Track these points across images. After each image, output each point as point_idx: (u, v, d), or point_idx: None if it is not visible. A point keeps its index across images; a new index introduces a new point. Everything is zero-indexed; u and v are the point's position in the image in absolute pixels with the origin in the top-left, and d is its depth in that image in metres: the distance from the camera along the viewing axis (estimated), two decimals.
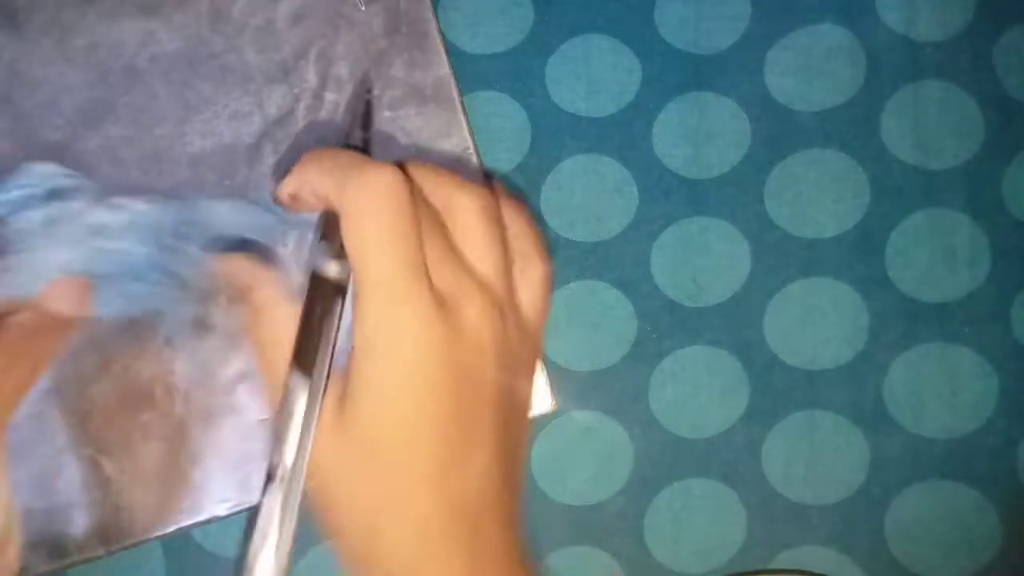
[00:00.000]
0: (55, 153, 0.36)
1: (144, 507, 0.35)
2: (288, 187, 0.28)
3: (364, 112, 0.30)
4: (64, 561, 0.35)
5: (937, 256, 0.37)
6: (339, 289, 0.26)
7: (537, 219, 0.37)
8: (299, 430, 0.25)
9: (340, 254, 0.26)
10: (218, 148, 0.36)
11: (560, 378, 0.36)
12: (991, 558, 0.36)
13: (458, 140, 0.36)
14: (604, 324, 0.37)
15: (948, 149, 0.37)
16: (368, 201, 0.25)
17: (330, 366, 0.25)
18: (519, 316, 0.29)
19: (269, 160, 0.36)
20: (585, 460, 0.37)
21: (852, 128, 0.37)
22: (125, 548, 0.35)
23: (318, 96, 0.37)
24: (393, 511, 0.25)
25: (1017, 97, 0.37)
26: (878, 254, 0.37)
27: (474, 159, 0.36)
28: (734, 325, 0.37)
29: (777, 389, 0.37)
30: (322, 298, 0.26)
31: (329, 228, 0.27)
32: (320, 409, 0.25)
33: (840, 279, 0.37)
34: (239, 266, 0.29)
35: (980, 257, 0.37)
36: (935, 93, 0.37)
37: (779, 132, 0.37)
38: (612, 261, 0.37)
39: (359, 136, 0.30)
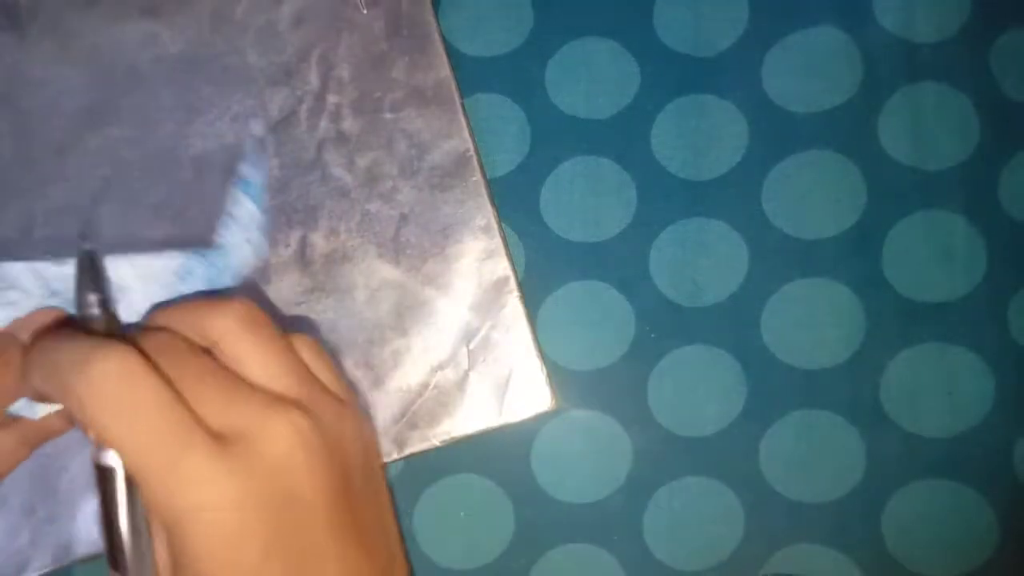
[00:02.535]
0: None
1: None
2: (25, 391, 0.24)
3: (89, 269, 0.25)
4: (64, 561, 0.35)
5: (934, 256, 0.37)
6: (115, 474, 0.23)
7: (537, 219, 0.37)
8: None
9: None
10: (220, 149, 0.37)
11: (560, 378, 0.37)
12: (988, 556, 0.36)
13: (459, 142, 0.37)
14: (604, 324, 0.37)
15: (945, 150, 0.37)
16: (97, 404, 0.21)
17: (147, 551, 0.23)
18: (337, 403, 0.25)
19: (271, 162, 0.36)
20: (584, 459, 0.37)
21: (849, 129, 0.37)
22: None
23: (320, 98, 0.37)
24: None
25: (1013, 98, 0.37)
26: (875, 254, 0.37)
27: (474, 160, 0.37)
28: (732, 325, 0.37)
29: (775, 388, 0.37)
30: (111, 489, 0.23)
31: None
32: None
33: (837, 279, 0.37)
34: None
35: (976, 257, 0.37)
36: (932, 95, 0.37)
37: (777, 133, 0.37)
38: (612, 261, 0.37)
39: (94, 300, 0.24)
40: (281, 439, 0.22)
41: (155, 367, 0.22)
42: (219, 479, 0.21)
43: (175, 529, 0.21)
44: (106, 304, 0.24)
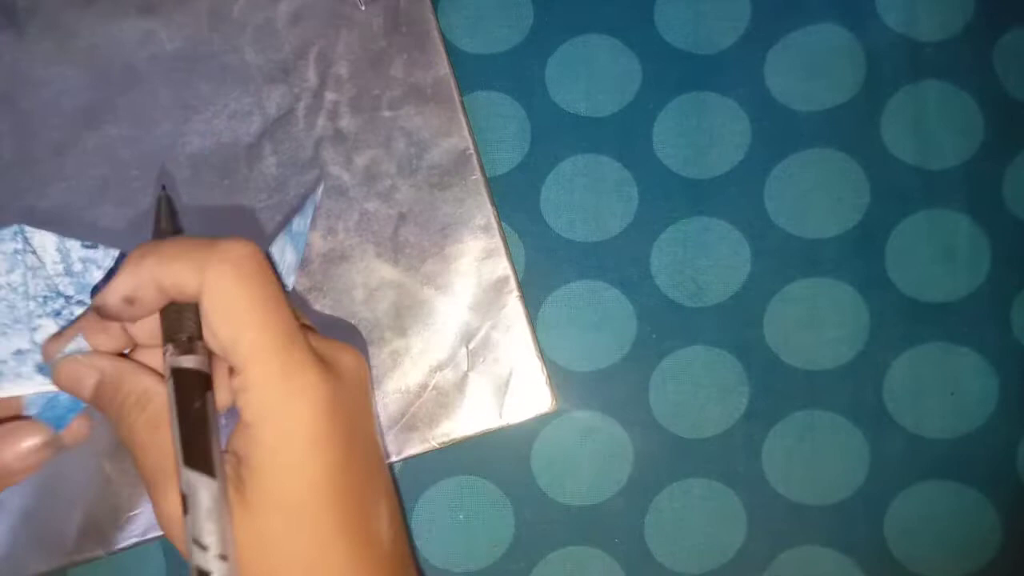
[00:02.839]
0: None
1: (144, 507, 0.35)
2: (121, 289, 0.24)
3: (167, 207, 0.28)
4: (64, 561, 0.35)
5: (937, 256, 0.37)
6: (204, 377, 0.25)
7: (537, 219, 0.37)
8: (217, 529, 0.23)
9: (191, 346, 0.25)
10: (217, 148, 0.36)
11: (560, 378, 0.36)
12: (991, 558, 0.36)
13: (458, 140, 0.36)
14: (604, 324, 0.37)
15: (948, 149, 0.37)
16: (235, 275, 0.24)
17: (221, 455, 0.24)
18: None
19: (269, 160, 0.36)
20: (585, 460, 0.37)
21: (852, 128, 0.37)
22: (125, 548, 0.35)
23: (318, 96, 0.37)
24: (316, 570, 0.24)
25: (1017, 97, 0.37)
26: (878, 254, 0.37)
27: (474, 159, 0.36)
28: (734, 325, 0.37)
29: (777, 389, 0.37)
30: (191, 392, 0.24)
31: (171, 322, 0.25)
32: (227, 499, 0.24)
33: (840, 279, 0.37)
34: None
35: (980, 257, 0.37)
36: (935, 93, 0.37)
37: (779, 132, 0.37)
38: (612, 261, 0.37)
39: (170, 231, 0.27)
40: (353, 364, 0.26)
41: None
42: (326, 385, 0.24)
43: (271, 417, 0.23)
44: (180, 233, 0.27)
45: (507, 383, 0.36)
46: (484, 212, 0.36)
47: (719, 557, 0.36)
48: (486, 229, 0.36)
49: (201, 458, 0.24)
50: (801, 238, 0.37)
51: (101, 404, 0.26)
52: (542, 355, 0.36)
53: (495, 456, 0.37)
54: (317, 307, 0.36)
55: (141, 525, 0.35)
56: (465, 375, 0.36)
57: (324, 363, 0.25)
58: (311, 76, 0.37)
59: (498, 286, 0.36)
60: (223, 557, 0.23)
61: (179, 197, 0.36)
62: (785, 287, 0.37)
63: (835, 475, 0.36)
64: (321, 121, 0.37)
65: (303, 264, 0.36)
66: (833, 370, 0.37)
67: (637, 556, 0.36)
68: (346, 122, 0.37)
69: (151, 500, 0.25)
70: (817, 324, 0.36)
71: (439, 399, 0.35)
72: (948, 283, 0.37)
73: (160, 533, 0.35)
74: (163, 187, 0.28)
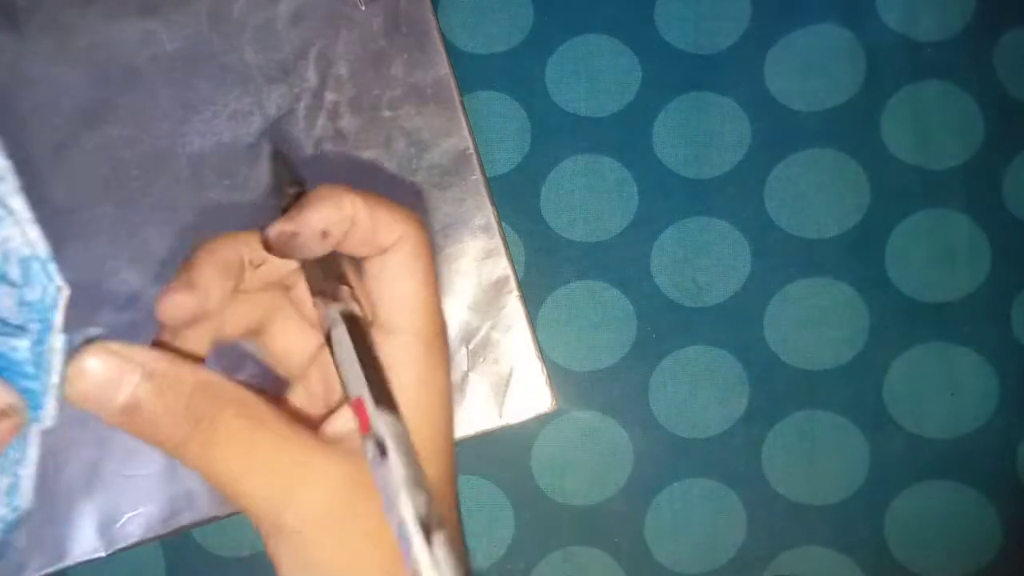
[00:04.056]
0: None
1: (144, 507, 0.35)
2: (322, 221, 0.24)
3: (284, 161, 0.28)
4: (64, 561, 0.35)
5: (937, 256, 0.37)
6: (367, 324, 0.24)
7: (537, 218, 0.37)
8: (414, 472, 0.22)
9: (353, 293, 0.25)
10: (218, 148, 0.36)
11: (560, 378, 0.36)
12: (991, 558, 0.36)
13: (458, 140, 0.36)
14: (605, 324, 0.37)
15: (948, 149, 0.37)
16: (421, 250, 0.24)
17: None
18: None
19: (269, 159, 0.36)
20: (585, 460, 0.37)
21: (852, 128, 0.37)
22: (125, 548, 0.35)
23: (318, 95, 0.37)
24: None
25: (1017, 97, 0.37)
26: (878, 254, 0.37)
27: (474, 159, 0.36)
28: (734, 325, 0.37)
29: (777, 389, 0.37)
30: (366, 336, 0.24)
31: (330, 270, 0.25)
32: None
33: (840, 279, 0.37)
34: None
35: (980, 257, 0.37)
36: (935, 93, 0.37)
37: (779, 132, 0.37)
38: (612, 261, 0.37)
39: (292, 189, 0.27)
40: None
41: None
42: (447, 355, 0.25)
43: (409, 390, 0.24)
44: (303, 189, 0.27)
45: (507, 383, 0.36)
46: (484, 212, 0.36)
47: (719, 557, 0.36)
48: (486, 229, 0.36)
49: (388, 398, 0.23)
50: (801, 238, 0.37)
51: (140, 417, 0.22)
52: (542, 355, 0.36)
53: (495, 456, 0.37)
54: None
55: (141, 525, 0.35)
56: (465, 375, 0.36)
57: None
58: (311, 76, 0.37)
59: (498, 286, 0.36)
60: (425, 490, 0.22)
61: (179, 197, 0.36)
62: (785, 287, 0.37)
63: (835, 475, 0.36)
64: (321, 121, 0.36)
65: None
66: (833, 370, 0.37)
67: (637, 556, 0.36)
68: (346, 122, 0.36)
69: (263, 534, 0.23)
70: (817, 324, 0.36)
71: None
72: (948, 283, 0.37)
73: (160, 533, 0.35)
74: (274, 143, 0.29)
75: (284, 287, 0.26)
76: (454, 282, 0.36)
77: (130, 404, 0.21)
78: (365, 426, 0.22)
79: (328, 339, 0.23)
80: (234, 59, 0.37)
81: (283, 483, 0.22)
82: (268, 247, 0.24)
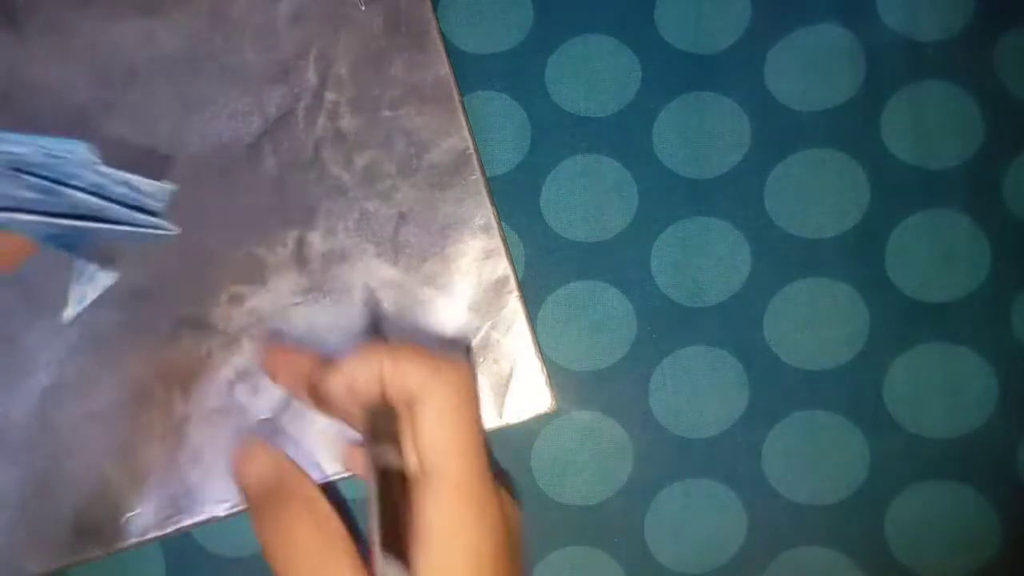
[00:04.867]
0: None
1: (144, 507, 0.35)
2: (347, 378, 0.27)
3: (375, 316, 0.34)
4: (64, 561, 0.35)
5: (937, 256, 0.37)
6: (404, 477, 0.27)
7: (537, 218, 0.37)
8: None
9: (399, 448, 0.27)
10: (218, 148, 0.36)
11: (560, 378, 0.36)
12: (990, 558, 0.36)
13: (458, 140, 0.36)
14: (605, 324, 0.37)
15: (948, 149, 0.37)
16: (456, 399, 0.26)
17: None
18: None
19: (269, 160, 0.36)
20: (585, 460, 0.37)
21: (852, 128, 0.37)
22: (125, 548, 0.35)
23: (318, 96, 0.37)
24: None
25: (1018, 97, 0.37)
26: (878, 254, 0.37)
27: (474, 159, 0.36)
28: (734, 325, 0.37)
29: (777, 389, 0.37)
30: (394, 489, 0.26)
31: (382, 422, 0.27)
32: None
33: (840, 279, 0.37)
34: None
35: (980, 257, 0.37)
36: (935, 93, 0.37)
37: (779, 132, 0.37)
38: (612, 261, 0.37)
39: (378, 334, 0.33)
40: (516, 512, 0.28)
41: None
42: (497, 515, 0.26)
43: (441, 539, 0.25)
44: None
45: (507, 383, 0.36)
46: (484, 212, 0.36)
47: (719, 557, 0.36)
48: (486, 229, 0.36)
49: (400, 549, 0.25)
50: (801, 238, 0.37)
51: (259, 491, 0.29)
52: (542, 355, 0.36)
53: (495, 456, 0.37)
54: (316, 307, 0.36)
55: (141, 525, 0.35)
56: None
57: (498, 496, 0.27)
58: (311, 76, 0.37)
59: (498, 286, 0.36)
60: None
61: (180, 197, 0.36)
62: (785, 287, 0.37)
63: (835, 475, 0.36)
64: (321, 121, 0.37)
65: (303, 264, 0.36)
66: (833, 370, 0.37)
67: (637, 556, 0.36)
68: (346, 122, 0.37)
69: None
70: (817, 324, 0.36)
71: None
72: (948, 283, 0.37)
73: (160, 533, 0.35)
74: (371, 291, 0.33)
75: None
76: (454, 282, 0.36)
77: (256, 483, 0.31)
78: (373, 571, 0.25)
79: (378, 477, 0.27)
80: (234, 59, 0.37)
81: None
82: (310, 393, 0.28)
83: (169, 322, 0.36)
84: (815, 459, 0.36)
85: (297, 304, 0.36)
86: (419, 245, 0.36)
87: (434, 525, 0.25)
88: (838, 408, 0.36)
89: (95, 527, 0.35)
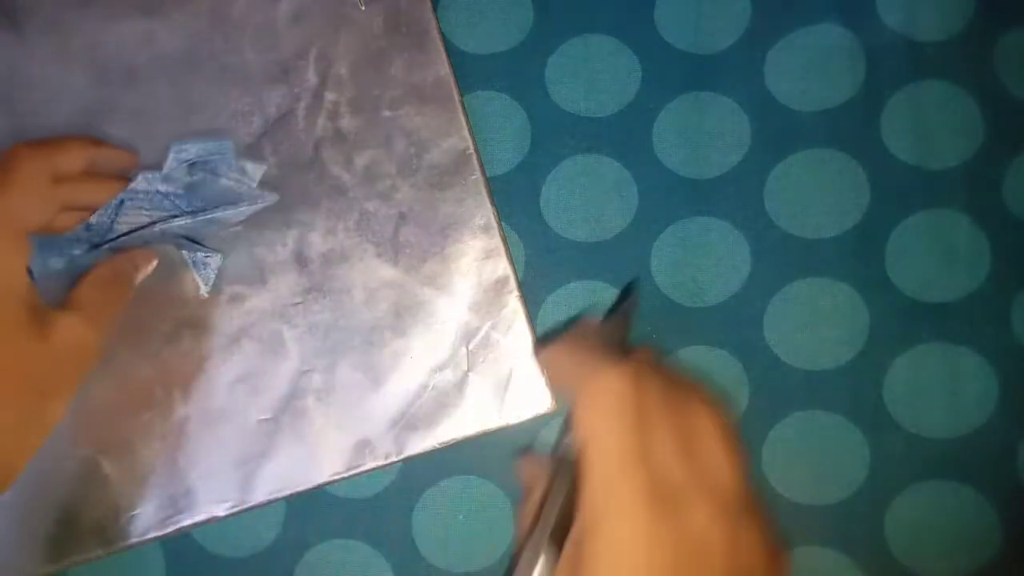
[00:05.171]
0: None
1: (144, 507, 0.35)
2: (545, 359, 0.33)
3: (633, 303, 0.35)
4: (64, 561, 0.35)
5: (937, 256, 0.37)
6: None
7: (537, 218, 0.37)
8: None
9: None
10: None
11: None
12: (990, 558, 0.36)
13: (458, 140, 0.36)
14: None
15: (948, 149, 0.37)
16: (600, 398, 0.26)
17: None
18: (759, 538, 0.28)
19: (269, 160, 0.36)
20: None
21: (852, 128, 0.37)
22: (125, 548, 0.35)
23: (318, 96, 0.37)
24: None
25: (1017, 97, 0.37)
26: (878, 254, 0.37)
27: (474, 159, 0.36)
28: (734, 325, 0.37)
29: (777, 389, 0.37)
30: (575, 482, 0.27)
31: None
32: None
33: (840, 279, 0.37)
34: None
35: (980, 257, 0.37)
36: (935, 93, 0.37)
37: (779, 132, 0.37)
38: (613, 261, 0.37)
39: (625, 313, 0.35)
40: (704, 519, 0.26)
41: (640, 390, 0.27)
42: (650, 512, 0.25)
43: (597, 526, 0.25)
44: (628, 317, 0.35)
45: (507, 383, 0.36)
46: (484, 212, 0.36)
47: None
48: (486, 229, 0.36)
49: (560, 538, 0.27)
50: (801, 238, 0.37)
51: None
52: None
53: (495, 456, 0.37)
54: (316, 307, 0.36)
55: (141, 525, 0.35)
56: (465, 375, 0.36)
57: (664, 502, 0.26)
58: (311, 76, 0.37)
59: (498, 286, 0.36)
60: None
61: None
62: (785, 287, 0.37)
63: (835, 475, 0.36)
64: (321, 121, 0.36)
65: (303, 264, 0.36)
66: (833, 370, 0.37)
67: None
68: (346, 122, 0.36)
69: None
70: (817, 324, 0.36)
71: (439, 399, 0.35)
72: (948, 283, 0.37)
73: (160, 533, 0.35)
74: (635, 296, 0.35)
75: None
76: (454, 282, 0.36)
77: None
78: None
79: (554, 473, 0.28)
80: (234, 59, 0.37)
81: None
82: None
83: (169, 322, 0.36)
84: (815, 459, 0.36)
85: (297, 304, 0.36)
86: (419, 245, 0.36)
87: (583, 508, 0.26)
88: (838, 408, 0.36)
89: (95, 527, 0.35)
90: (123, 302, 0.35)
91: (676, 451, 0.27)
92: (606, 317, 0.34)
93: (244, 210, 0.35)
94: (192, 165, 0.35)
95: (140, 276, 0.35)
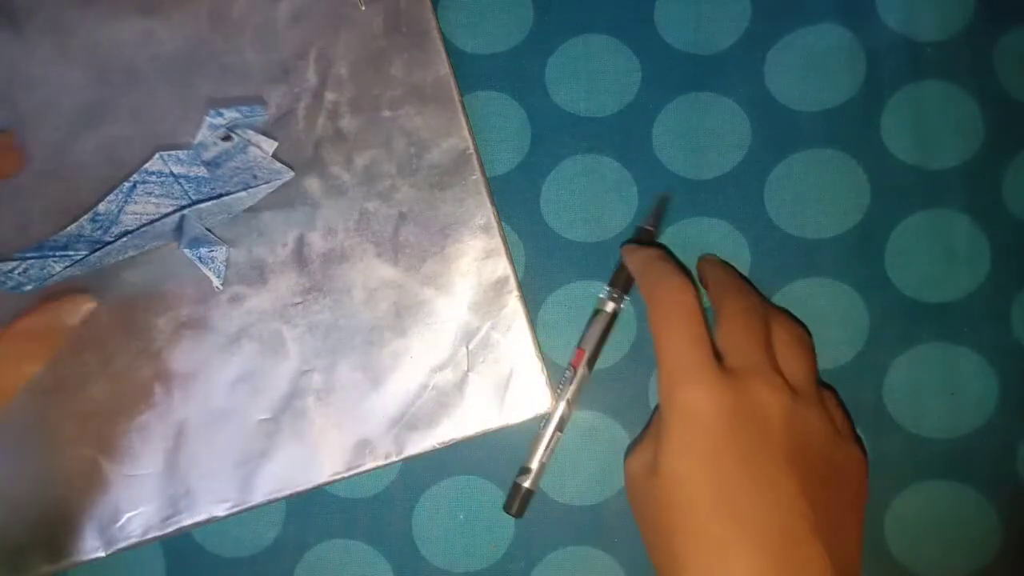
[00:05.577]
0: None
1: (144, 507, 0.35)
2: (630, 261, 0.36)
3: (660, 212, 0.37)
4: (64, 561, 0.35)
5: (937, 256, 0.37)
6: (613, 318, 0.36)
7: (537, 219, 0.37)
8: (576, 393, 0.36)
9: (617, 298, 0.36)
10: None
11: (560, 378, 0.36)
12: (990, 558, 0.36)
13: (458, 140, 0.36)
14: None
15: (948, 149, 0.37)
16: (668, 308, 0.31)
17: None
18: (822, 418, 0.31)
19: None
20: (585, 460, 0.37)
21: (852, 128, 0.37)
22: (125, 548, 0.35)
23: (318, 96, 0.37)
24: (687, 551, 0.29)
25: (1017, 97, 0.37)
26: (878, 254, 0.37)
27: (474, 159, 0.36)
28: None
29: None
30: (611, 325, 0.36)
31: (618, 279, 0.36)
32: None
33: (840, 279, 0.37)
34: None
35: (980, 257, 0.37)
36: (935, 93, 0.37)
37: (779, 132, 0.37)
38: (612, 261, 0.37)
39: (652, 223, 0.37)
40: (766, 390, 0.30)
41: (695, 296, 0.31)
42: (722, 399, 0.29)
43: (674, 421, 0.30)
44: (657, 226, 0.37)
45: (507, 383, 0.36)
46: (484, 212, 0.36)
47: None
48: (486, 229, 0.36)
49: (593, 361, 0.36)
50: (801, 238, 0.37)
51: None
52: (542, 355, 0.36)
53: (495, 456, 0.37)
54: (316, 307, 0.36)
55: (141, 525, 0.35)
56: (465, 375, 0.36)
57: (731, 380, 0.30)
58: (311, 76, 0.37)
59: (498, 286, 0.36)
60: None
61: None
62: (785, 287, 0.37)
63: None
64: (321, 121, 0.36)
65: (303, 264, 0.36)
66: (833, 370, 0.37)
67: (637, 556, 0.36)
68: (346, 122, 0.36)
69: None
70: (817, 325, 0.36)
71: (439, 399, 0.35)
72: (948, 283, 0.37)
73: (160, 533, 0.35)
74: (666, 199, 0.37)
75: None
76: (454, 282, 0.36)
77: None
78: (577, 363, 0.36)
79: (597, 311, 0.36)
80: (234, 59, 0.37)
81: None
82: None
83: (169, 322, 0.36)
84: None
85: (297, 304, 0.36)
86: (419, 245, 0.36)
87: (663, 405, 0.30)
88: None
89: (95, 527, 0.35)
90: (43, 357, 0.35)
91: (751, 340, 0.31)
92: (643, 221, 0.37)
93: (261, 189, 0.35)
94: (226, 131, 0.35)
95: (74, 321, 0.35)
